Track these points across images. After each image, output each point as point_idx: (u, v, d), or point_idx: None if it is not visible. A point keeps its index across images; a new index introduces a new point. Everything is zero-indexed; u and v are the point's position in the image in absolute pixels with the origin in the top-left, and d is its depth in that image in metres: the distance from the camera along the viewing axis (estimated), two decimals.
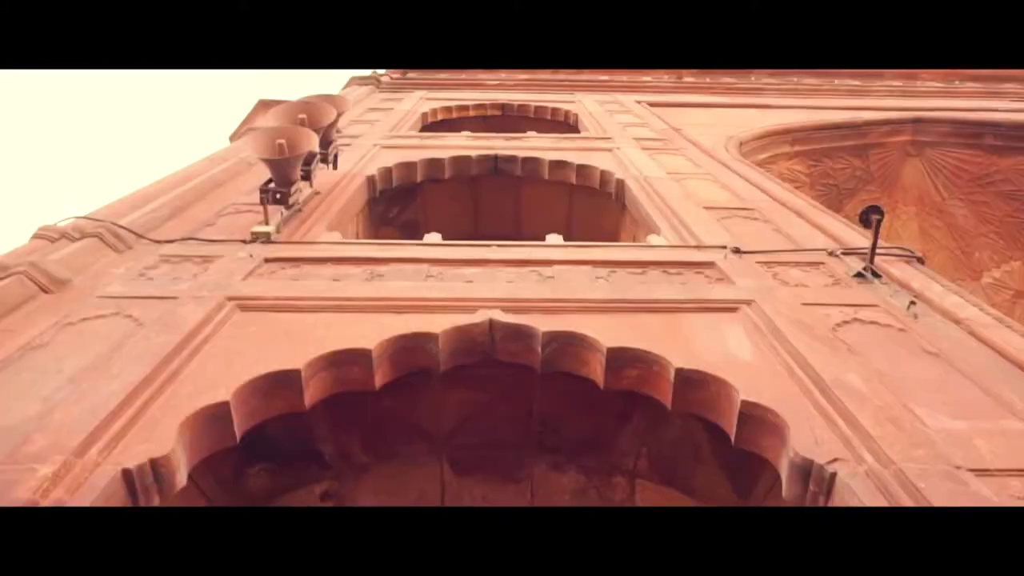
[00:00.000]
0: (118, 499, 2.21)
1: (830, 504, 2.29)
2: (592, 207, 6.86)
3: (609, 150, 7.20)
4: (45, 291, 3.52)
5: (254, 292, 3.57)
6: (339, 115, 5.45)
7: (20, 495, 2.09)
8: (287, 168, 4.54)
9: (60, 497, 2.11)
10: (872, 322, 3.37)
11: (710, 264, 4.10)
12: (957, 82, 13.09)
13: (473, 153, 6.97)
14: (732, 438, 2.77)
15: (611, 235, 6.80)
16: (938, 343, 3.17)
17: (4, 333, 3.11)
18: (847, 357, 2.99)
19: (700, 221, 4.84)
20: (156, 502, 2.36)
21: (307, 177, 5.07)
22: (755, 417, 2.68)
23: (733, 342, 3.17)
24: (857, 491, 2.20)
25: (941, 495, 2.14)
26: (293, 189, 4.70)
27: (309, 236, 4.67)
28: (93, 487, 2.17)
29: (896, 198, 10.18)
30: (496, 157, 6.99)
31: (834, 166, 9.71)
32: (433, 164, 6.79)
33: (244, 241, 4.30)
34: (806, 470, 2.37)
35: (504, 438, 3.85)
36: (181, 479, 2.44)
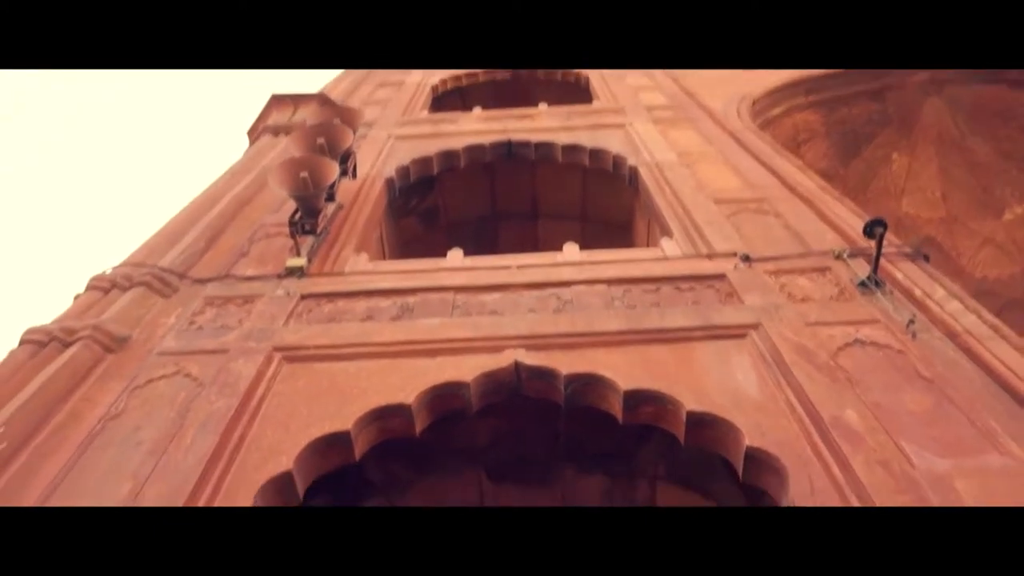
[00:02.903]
0: None
1: None
2: (606, 188, 7.01)
3: (621, 126, 7.26)
4: (109, 351, 3.87)
5: (297, 340, 3.89)
6: (355, 132, 5.61)
7: None
8: (313, 201, 4.77)
9: None
10: (872, 343, 3.60)
11: (720, 276, 4.31)
12: None
13: (487, 140, 7.09)
14: (740, 475, 3.08)
15: (626, 216, 6.99)
16: (933, 366, 3.40)
17: (84, 403, 3.49)
18: (845, 389, 3.24)
19: (711, 220, 5.01)
20: None
21: (331, 198, 5.30)
22: (759, 459, 2.98)
23: (741, 375, 3.44)
24: None
25: None
26: (320, 217, 4.95)
27: (339, 260, 4.94)
28: None
29: (915, 138, 10.08)
30: (510, 143, 7.11)
31: (850, 112, 9.61)
32: (448, 156, 6.94)
33: (279, 276, 4.60)
34: None
35: (534, 452, 4.21)
36: None
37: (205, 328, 4.10)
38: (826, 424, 3.02)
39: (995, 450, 2.89)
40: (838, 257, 4.44)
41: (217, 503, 2.86)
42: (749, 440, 3.00)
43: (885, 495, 2.66)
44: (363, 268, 4.83)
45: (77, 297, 4.43)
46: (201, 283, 4.60)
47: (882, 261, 4.24)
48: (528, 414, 3.93)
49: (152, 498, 2.86)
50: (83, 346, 3.77)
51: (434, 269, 4.71)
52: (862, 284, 4.11)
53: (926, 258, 4.43)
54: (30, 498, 2.91)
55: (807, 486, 2.77)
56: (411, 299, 4.30)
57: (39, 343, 3.82)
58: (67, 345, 3.81)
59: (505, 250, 7.67)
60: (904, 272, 4.23)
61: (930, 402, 3.18)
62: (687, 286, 4.29)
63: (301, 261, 4.67)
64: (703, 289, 4.25)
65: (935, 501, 2.63)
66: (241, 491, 2.91)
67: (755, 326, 3.77)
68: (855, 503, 2.66)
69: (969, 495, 2.66)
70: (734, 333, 3.75)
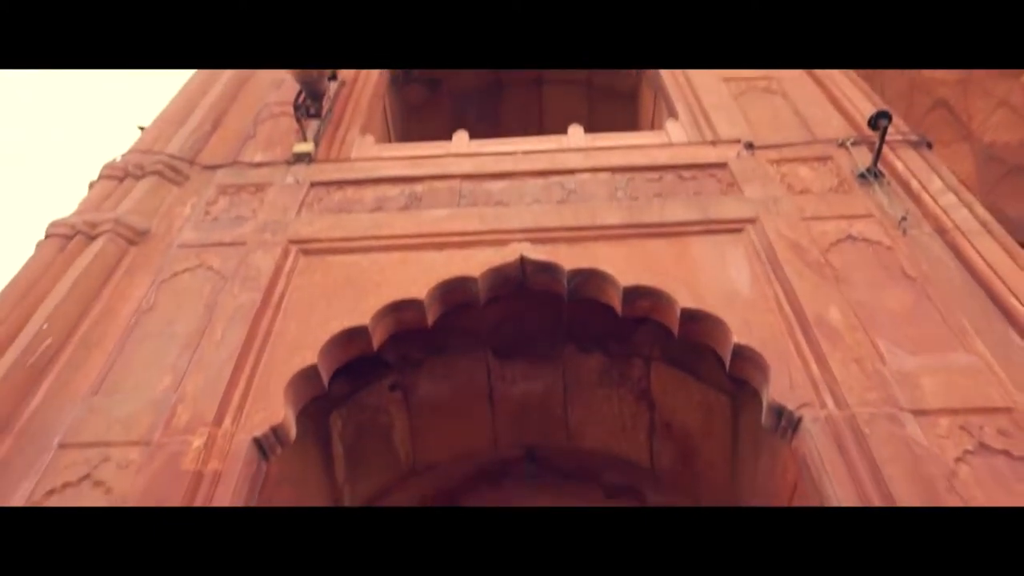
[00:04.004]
0: (254, 461, 2.96)
1: (794, 439, 2.94)
2: None
3: None
4: (132, 243, 4.05)
5: (311, 232, 4.04)
6: None
7: (187, 466, 2.84)
8: (317, 83, 4.71)
9: (216, 467, 2.85)
10: (864, 239, 3.75)
11: (722, 165, 4.37)
12: None
13: None
14: (727, 367, 3.37)
15: (632, 85, 6.86)
16: (918, 264, 3.58)
17: (116, 297, 3.72)
18: (832, 288, 3.44)
19: (718, 104, 4.96)
20: (279, 452, 3.12)
21: (334, 76, 5.21)
22: (744, 355, 3.24)
23: (734, 272, 3.62)
24: (814, 435, 2.83)
25: (880, 438, 2.76)
26: (324, 99, 4.90)
27: (346, 143, 4.97)
28: (236, 455, 2.90)
29: None
30: None
31: None
32: None
33: (288, 162, 4.66)
34: (780, 411, 2.99)
35: (537, 333, 4.50)
36: (293, 433, 3.17)
37: (220, 219, 4.24)
38: (810, 322, 3.25)
39: (962, 348, 3.14)
40: (841, 145, 4.46)
41: (251, 396, 3.16)
42: (737, 337, 3.25)
43: (856, 393, 2.93)
44: (369, 153, 4.87)
45: (92, 185, 4.52)
46: (211, 169, 4.67)
47: (884, 149, 4.28)
48: (532, 299, 4.14)
49: (191, 389, 3.15)
50: (108, 240, 3.93)
51: (440, 155, 4.74)
52: (861, 176, 4.18)
53: (929, 146, 4.45)
54: (81, 389, 3.22)
55: (787, 382, 3.05)
56: (418, 187, 4.40)
57: (65, 236, 3.98)
58: (92, 238, 3.97)
59: (509, 118, 7.63)
60: (905, 162, 4.28)
61: (910, 300, 3.39)
62: (689, 175, 4.36)
63: (308, 147, 4.71)
64: (705, 178, 4.33)
65: (900, 397, 2.91)
66: (272, 383, 3.21)
67: (752, 220, 3.90)
68: (828, 399, 2.95)
69: (931, 392, 2.94)
70: (731, 228, 3.89)
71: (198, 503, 2.73)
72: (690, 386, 4.40)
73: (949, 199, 3.99)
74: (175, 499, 2.71)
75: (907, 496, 2.56)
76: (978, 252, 3.61)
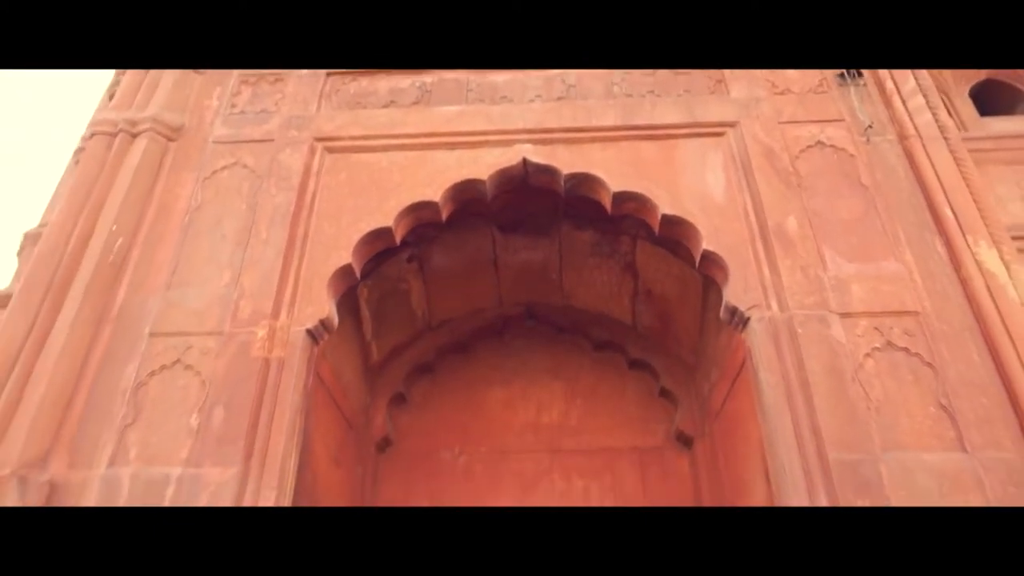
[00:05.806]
0: (309, 347, 3.68)
1: (743, 332, 3.64)
2: None
3: None
4: (170, 140, 4.46)
5: (333, 129, 4.44)
6: None
7: (255, 354, 3.57)
8: None
9: (280, 354, 3.58)
10: (831, 145, 4.17)
11: None
12: None
13: None
14: (696, 265, 3.98)
15: None
16: (874, 174, 4.05)
17: (167, 195, 4.23)
18: (794, 196, 3.94)
19: None
20: (325, 338, 3.84)
21: None
22: (711, 258, 3.84)
23: (711, 178, 4.10)
24: (758, 333, 3.52)
25: (809, 337, 3.45)
26: None
27: None
28: (295, 344, 3.62)
29: None
30: None
31: None
32: None
33: None
34: (734, 310, 3.66)
35: (537, 212, 5.04)
36: (336, 322, 3.86)
37: (247, 112, 4.60)
38: (770, 231, 3.81)
39: (892, 256, 3.73)
40: None
41: (300, 294, 3.80)
42: (706, 243, 3.83)
43: (797, 298, 3.58)
44: None
45: (120, 74, 4.80)
46: None
47: None
48: (533, 189, 4.64)
49: (249, 285, 3.79)
50: (149, 139, 4.35)
51: None
52: (840, 76, 4.47)
53: None
54: (156, 284, 3.86)
55: (742, 285, 3.69)
56: (428, 79, 4.71)
57: (109, 134, 4.38)
58: (134, 136, 4.38)
59: None
60: None
61: (860, 209, 3.92)
62: (683, 70, 4.64)
63: None
64: (696, 73, 4.61)
65: (832, 301, 3.56)
66: (315, 280, 3.84)
67: (733, 124, 4.29)
68: (773, 302, 3.60)
69: (858, 297, 3.58)
70: (714, 131, 4.29)
71: (270, 383, 3.48)
72: (670, 261, 5.02)
73: (917, 102, 4.34)
74: (251, 380, 3.46)
75: (821, 384, 3.30)
76: (930, 161, 4.06)
